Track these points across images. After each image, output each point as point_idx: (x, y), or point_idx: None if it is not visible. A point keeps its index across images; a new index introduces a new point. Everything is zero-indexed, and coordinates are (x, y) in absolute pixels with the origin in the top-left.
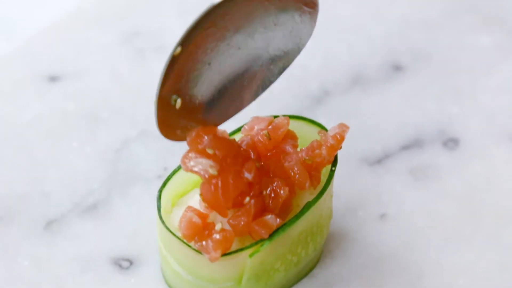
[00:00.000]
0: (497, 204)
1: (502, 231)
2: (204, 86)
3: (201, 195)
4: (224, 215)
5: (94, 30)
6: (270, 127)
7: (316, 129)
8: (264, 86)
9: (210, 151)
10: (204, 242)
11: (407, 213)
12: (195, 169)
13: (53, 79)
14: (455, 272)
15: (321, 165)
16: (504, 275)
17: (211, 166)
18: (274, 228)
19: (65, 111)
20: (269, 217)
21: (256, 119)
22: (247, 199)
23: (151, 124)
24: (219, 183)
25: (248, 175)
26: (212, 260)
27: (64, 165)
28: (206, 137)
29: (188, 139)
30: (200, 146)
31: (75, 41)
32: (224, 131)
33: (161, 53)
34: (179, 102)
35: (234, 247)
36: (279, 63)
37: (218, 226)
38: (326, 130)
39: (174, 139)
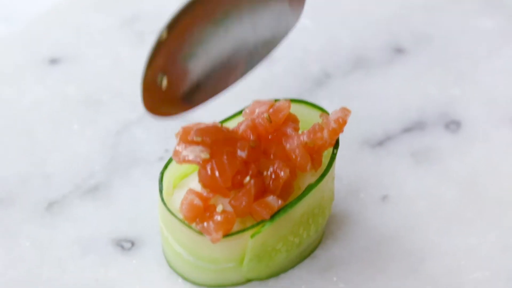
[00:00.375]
0: (499, 187)
1: (504, 213)
2: (191, 67)
3: (200, 182)
4: (226, 195)
5: (94, 13)
6: (271, 110)
7: (317, 112)
8: (250, 67)
9: (198, 139)
10: (205, 224)
11: (409, 196)
12: (188, 158)
13: (53, 62)
14: (457, 254)
15: (323, 148)
16: (506, 257)
17: (202, 151)
18: (276, 209)
19: (66, 94)
20: (271, 198)
21: (257, 102)
22: (247, 178)
23: None
24: (214, 165)
25: (241, 153)
26: (213, 241)
27: (65, 147)
28: (192, 130)
29: (176, 137)
30: (189, 137)
31: (75, 25)
32: (215, 123)
33: None
34: (165, 82)
35: (235, 228)
36: (265, 46)
37: (219, 208)
38: (328, 113)
39: (161, 115)
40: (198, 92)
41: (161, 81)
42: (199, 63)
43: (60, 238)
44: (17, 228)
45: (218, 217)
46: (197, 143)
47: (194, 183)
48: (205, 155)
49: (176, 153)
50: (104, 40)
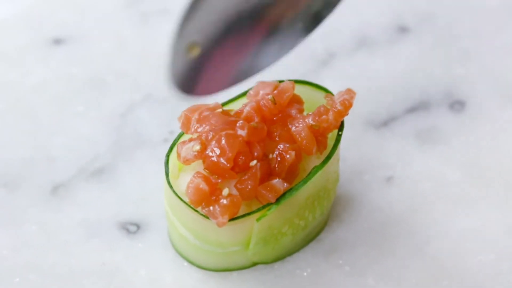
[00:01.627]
0: (503, 167)
1: (509, 194)
2: (229, 34)
3: (205, 169)
4: (233, 177)
5: None
6: (275, 92)
7: (322, 93)
8: (305, 34)
9: (195, 136)
10: (211, 207)
11: (413, 177)
12: (187, 158)
13: (57, 43)
14: (462, 236)
15: (328, 130)
16: (510, 239)
17: (193, 145)
18: (281, 192)
19: (70, 75)
20: (276, 181)
21: (261, 84)
22: (254, 162)
23: (156, 88)
24: (213, 148)
25: (241, 132)
26: (219, 225)
27: (69, 130)
28: (194, 117)
29: (179, 123)
30: (189, 132)
31: (79, 5)
32: (216, 104)
33: (165, 17)
34: (196, 50)
35: (241, 211)
36: (320, 9)
37: (225, 191)
38: (332, 94)
39: (188, 93)
40: (239, 68)
41: (191, 49)
42: (235, 31)
43: (66, 222)
44: (23, 212)
45: (224, 201)
46: (190, 140)
47: (200, 166)
48: (196, 146)
49: (178, 157)
50: (109, 20)
